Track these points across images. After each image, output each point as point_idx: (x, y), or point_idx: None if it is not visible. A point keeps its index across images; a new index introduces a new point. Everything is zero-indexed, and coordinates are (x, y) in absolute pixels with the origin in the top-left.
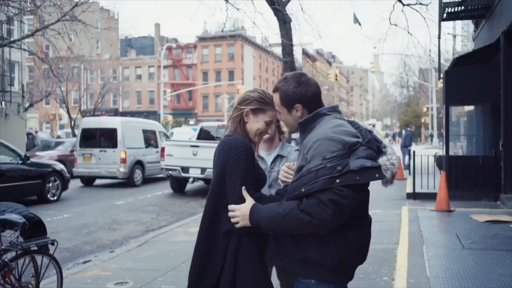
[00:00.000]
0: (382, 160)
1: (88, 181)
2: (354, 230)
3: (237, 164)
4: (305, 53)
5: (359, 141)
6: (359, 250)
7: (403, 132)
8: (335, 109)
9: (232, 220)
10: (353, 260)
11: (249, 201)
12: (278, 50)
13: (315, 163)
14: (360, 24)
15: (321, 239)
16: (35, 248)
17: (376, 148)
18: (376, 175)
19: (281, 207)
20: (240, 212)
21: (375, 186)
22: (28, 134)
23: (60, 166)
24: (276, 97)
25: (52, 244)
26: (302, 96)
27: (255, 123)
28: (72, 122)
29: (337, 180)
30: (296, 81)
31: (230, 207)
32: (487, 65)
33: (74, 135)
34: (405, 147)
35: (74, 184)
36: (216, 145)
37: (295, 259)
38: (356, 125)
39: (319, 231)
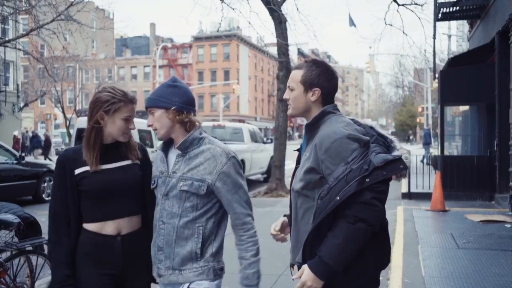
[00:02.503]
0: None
1: None
2: (384, 232)
3: (53, 181)
4: (300, 53)
5: (369, 138)
6: (388, 252)
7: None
8: (336, 108)
9: None
10: (385, 263)
11: (302, 268)
12: (273, 50)
13: (340, 171)
14: (355, 26)
15: (360, 250)
16: (30, 248)
17: (383, 143)
18: (400, 166)
19: (336, 236)
20: (311, 282)
21: None
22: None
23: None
24: (297, 74)
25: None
26: (324, 83)
27: (112, 125)
28: (67, 122)
29: (367, 180)
30: (325, 68)
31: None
32: (482, 65)
33: (70, 135)
34: (426, 144)
35: None
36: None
37: (340, 281)
38: (358, 123)
39: (375, 229)
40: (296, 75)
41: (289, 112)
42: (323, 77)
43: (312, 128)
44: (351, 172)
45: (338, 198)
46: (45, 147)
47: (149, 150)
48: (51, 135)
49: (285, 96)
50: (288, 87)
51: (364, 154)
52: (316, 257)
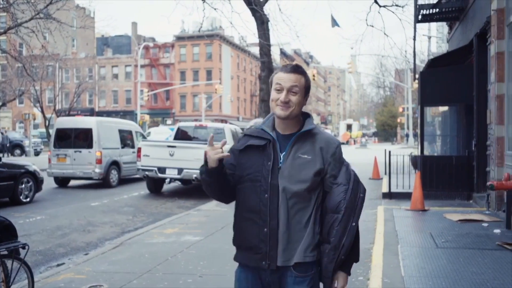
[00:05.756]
0: None
1: (62, 182)
2: None
3: None
4: (283, 53)
5: None
6: None
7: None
8: None
9: None
10: None
11: (338, 277)
12: (256, 50)
13: (346, 173)
14: (339, 26)
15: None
16: (5, 252)
17: None
18: None
19: (356, 235)
20: (347, 284)
21: None
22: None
23: (33, 167)
24: (300, 79)
25: (23, 248)
26: None
27: None
28: (47, 122)
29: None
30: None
31: None
32: (461, 66)
33: (49, 135)
34: None
35: (48, 185)
36: (193, 145)
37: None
38: None
39: None
40: (300, 80)
41: (287, 114)
42: None
43: (309, 134)
44: (354, 174)
45: (361, 195)
46: None
47: (130, 150)
48: (29, 136)
49: (284, 98)
50: (292, 91)
51: None
52: (348, 263)
